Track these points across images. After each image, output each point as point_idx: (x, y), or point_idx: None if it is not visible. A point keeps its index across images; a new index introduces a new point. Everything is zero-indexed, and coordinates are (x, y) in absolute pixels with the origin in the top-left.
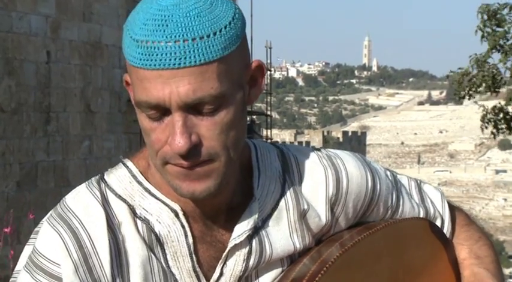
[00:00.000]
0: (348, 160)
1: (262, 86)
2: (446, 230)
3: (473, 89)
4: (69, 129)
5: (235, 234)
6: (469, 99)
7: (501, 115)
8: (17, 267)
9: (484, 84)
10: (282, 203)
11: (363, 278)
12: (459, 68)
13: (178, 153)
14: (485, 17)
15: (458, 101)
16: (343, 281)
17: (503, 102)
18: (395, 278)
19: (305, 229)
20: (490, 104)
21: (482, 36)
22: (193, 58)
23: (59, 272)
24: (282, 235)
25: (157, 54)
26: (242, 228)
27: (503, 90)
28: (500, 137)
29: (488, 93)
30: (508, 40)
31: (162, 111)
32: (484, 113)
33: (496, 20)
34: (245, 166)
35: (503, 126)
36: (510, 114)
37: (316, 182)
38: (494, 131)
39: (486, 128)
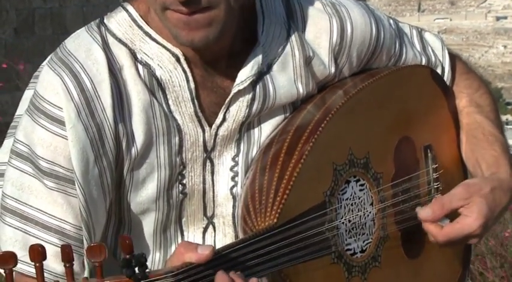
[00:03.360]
0: (352, 8)
1: None
2: (447, 77)
3: None
4: None
5: (239, 80)
6: None
7: None
8: (18, 112)
9: None
10: (288, 48)
11: (366, 125)
12: None
13: None
14: None
15: None
16: (347, 127)
17: None
18: (397, 124)
19: (310, 76)
20: None
21: None
22: None
23: (62, 115)
24: (287, 81)
25: None
26: (246, 74)
27: None
28: None
29: None
30: None
31: None
32: None
33: None
34: (248, 10)
35: None
36: None
37: (320, 30)
38: None
39: None
